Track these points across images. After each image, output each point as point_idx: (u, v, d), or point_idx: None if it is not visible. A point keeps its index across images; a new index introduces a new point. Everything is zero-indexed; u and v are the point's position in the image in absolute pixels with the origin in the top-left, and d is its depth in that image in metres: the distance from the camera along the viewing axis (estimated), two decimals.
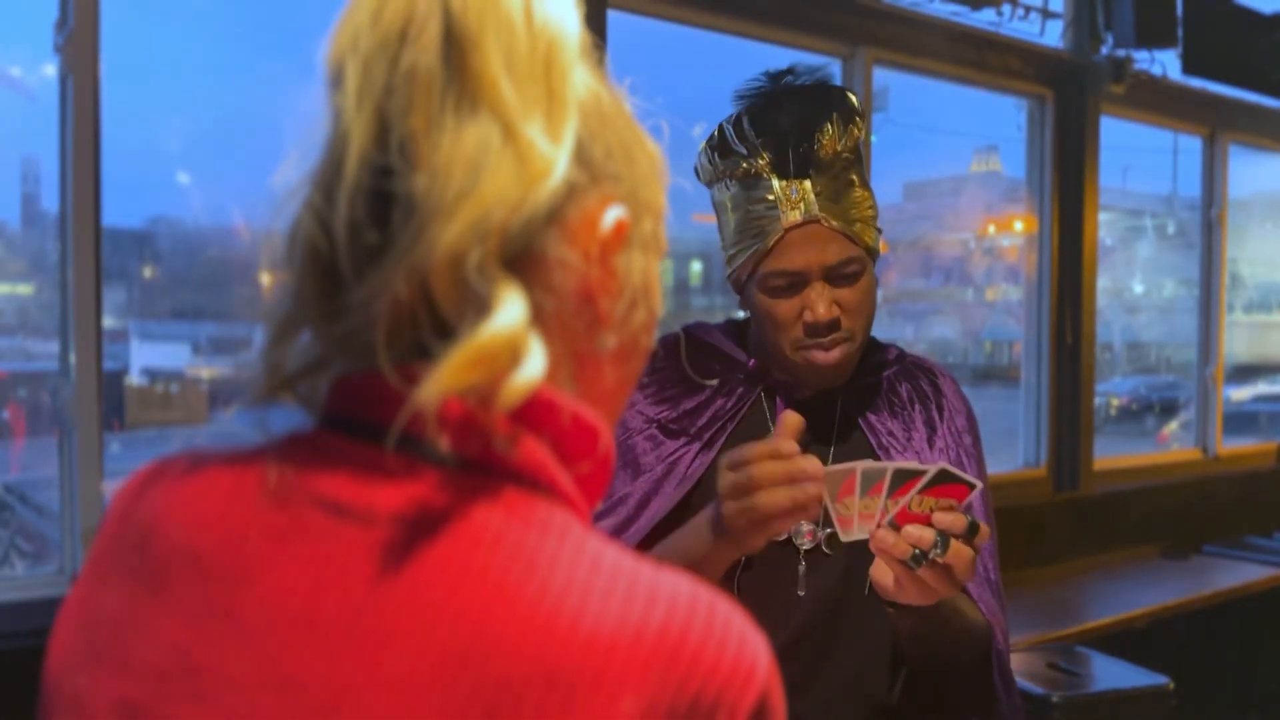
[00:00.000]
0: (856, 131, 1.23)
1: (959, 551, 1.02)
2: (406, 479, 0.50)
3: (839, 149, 1.21)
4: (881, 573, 1.06)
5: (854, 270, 1.20)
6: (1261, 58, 4.12)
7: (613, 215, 0.55)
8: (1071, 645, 2.85)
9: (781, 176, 1.19)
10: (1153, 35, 3.69)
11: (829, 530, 1.23)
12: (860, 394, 1.31)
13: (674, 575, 0.51)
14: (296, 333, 0.55)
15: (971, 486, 1.01)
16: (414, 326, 0.51)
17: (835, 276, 1.20)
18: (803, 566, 1.24)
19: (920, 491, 1.01)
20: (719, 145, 1.23)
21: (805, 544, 1.24)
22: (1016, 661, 2.59)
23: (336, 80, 0.52)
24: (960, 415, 1.34)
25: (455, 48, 0.51)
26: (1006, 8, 3.45)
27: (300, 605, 0.49)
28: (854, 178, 1.22)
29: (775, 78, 1.26)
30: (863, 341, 1.24)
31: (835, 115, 1.21)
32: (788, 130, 1.19)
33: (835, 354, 1.21)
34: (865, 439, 1.29)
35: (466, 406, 0.50)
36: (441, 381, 0.48)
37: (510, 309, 0.49)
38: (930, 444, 1.30)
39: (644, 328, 0.59)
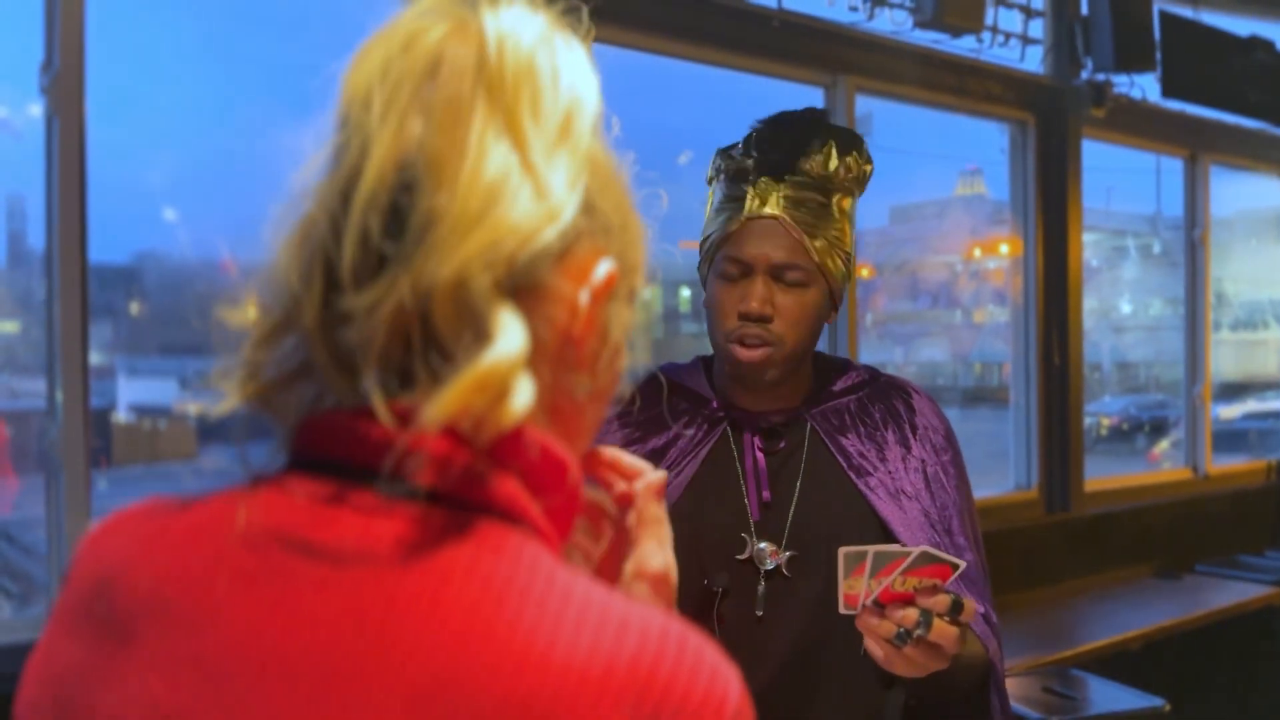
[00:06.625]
0: (853, 164, 1.27)
1: (943, 630, 1.03)
2: (376, 516, 0.51)
3: (829, 171, 1.25)
4: (873, 645, 1.07)
5: (798, 278, 1.23)
6: (1239, 79, 4.17)
7: (605, 267, 0.58)
8: (1067, 668, 2.84)
9: (759, 173, 1.25)
10: (1131, 60, 3.73)
11: (790, 553, 1.24)
12: (830, 417, 1.32)
13: (644, 607, 0.51)
14: (283, 337, 0.55)
15: (955, 567, 1.02)
16: (405, 350, 0.51)
17: (780, 277, 1.23)
18: (762, 587, 1.24)
19: (903, 572, 1.02)
20: (726, 151, 1.31)
21: (768, 564, 1.24)
22: (1012, 686, 2.58)
23: (364, 102, 0.53)
24: (938, 433, 1.34)
25: (487, 85, 0.53)
26: (986, 35, 3.49)
27: (270, 648, 0.49)
28: (836, 208, 1.25)
29: (817, 112, 1.33)
30: (792, 353, 1.25)
31: (834, 142, 1.26)
32: (783, 135, 1.27)
33: (756, 354, 1.23)
34: (836, 462, 1.29)
35: (441, 440, 0.50)
36: (446, 404, 0.49)
37: (513, 337, 0.50)
38: (904, 463, 1.30)
39: (617, 376, 0.62)
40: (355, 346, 0.51)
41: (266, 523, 0.52)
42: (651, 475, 0.81)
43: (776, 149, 1.26)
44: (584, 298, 0.56)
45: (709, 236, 1.29)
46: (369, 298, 0.50)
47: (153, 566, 0.53)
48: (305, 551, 0.50)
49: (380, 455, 0.51)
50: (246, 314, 0.56)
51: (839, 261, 1.26)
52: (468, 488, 0.52)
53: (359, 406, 0.53)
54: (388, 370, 0.51)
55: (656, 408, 1.32)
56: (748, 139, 1.30)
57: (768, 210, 1.23)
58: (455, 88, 0.53)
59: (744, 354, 1.24)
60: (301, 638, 0.48)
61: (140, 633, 0.52)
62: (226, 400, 0.55)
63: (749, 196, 1.25)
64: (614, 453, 0.81)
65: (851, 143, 1.28)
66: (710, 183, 1.34)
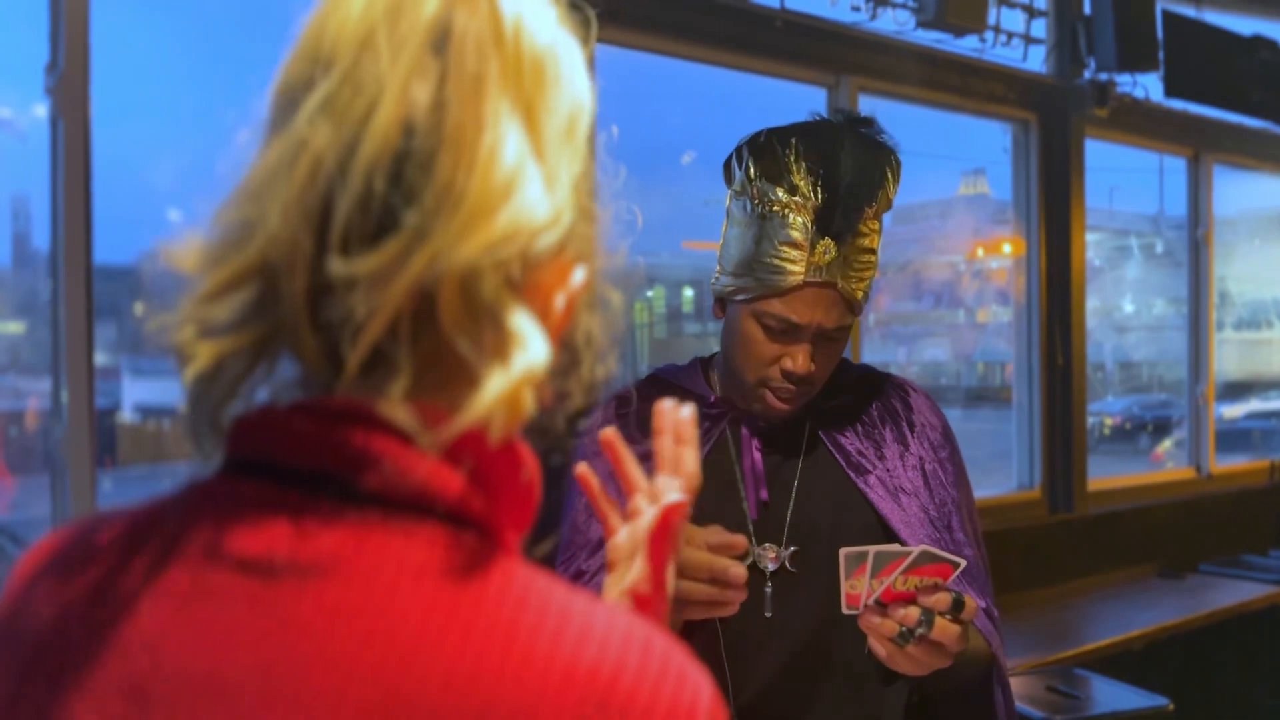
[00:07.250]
0: (892, 197, 1.24)
1: (944, 628, 1.03)
2: (317, 524, 0.48)
3: (873, 215, 1.22)
4: (877, 644, 1.07)
5: (840, 335, 1.23)
6: (1241, 78, 4.16)
7: (581, 273, 0.57)
8: (1070, 668, 2.84)
9: (820, 231, 1.18)
10: (1134, 59, 3.73)
11: (792, 549, 1.24)
12: (828, 415, 1.32)
13: (609, 611, 0.48)
14: (241, 290, 0.49)
15: (956, 565, 1.03)
16: (389, 331, 0.48)
17: (823, 338, 1.22)
18: (769, 588, 1.24)
19: (904, 572, 1.03)
20: (765, 168, 1.20)
21: (769, 566, 1.25)
22: (1016, 685, 2.58)
23: (363, 44, 0.49)
24: (935, 431, 1.35)
25: (502, 65, 0.52)
26: (989, 35, 3.49)
27: (206, 670, 0.46)
28: (871, 245, 1.23)
29: (851, 120, 1.25)
30: (817, 391, 1.27)
31: (887, 182, 1.22)
32: (847, 187, 1.18)
33: (789, 405, 1.24)
34: (835, 460, 1.30)
35: (393, 441, 0.48)
36: (477, 412, 0.47)
37: (538, 345, 0.49)
38: (903, 460, 1.31)
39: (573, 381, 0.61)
40: (347, 317, 0.47)
41: (198, 536, 0.49)
42: (674, 496, 0.81)
43: (841, 201, 1.18)
44: (560, 301, 0.55)
45: (743, 277, 1.21)
46: (374, 263, 0.46)
47: (79, 590, 0.50)
48: (240, 566, 0.47)
49: (328, 458, 0.48)
50: (192, 260, 0.50)
51: (867, 295, 1.24)
52: (417, 489, 0.49)
53: (301, 402, 0.49)
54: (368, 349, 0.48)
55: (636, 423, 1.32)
56: (796, 158, 1.19)
57: (827, 278, 1.18)
58: (474, 61, 0.50)
59: (777, 404, 1.24)
60: (239, 658, 0.46)
61: (67, 661, 0.49)
62: (187, 361, 0.50)
63: (805, 256, 1.18)
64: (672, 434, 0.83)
65: (898, 163, 1.25)
66: (738, 194, 1.24)
